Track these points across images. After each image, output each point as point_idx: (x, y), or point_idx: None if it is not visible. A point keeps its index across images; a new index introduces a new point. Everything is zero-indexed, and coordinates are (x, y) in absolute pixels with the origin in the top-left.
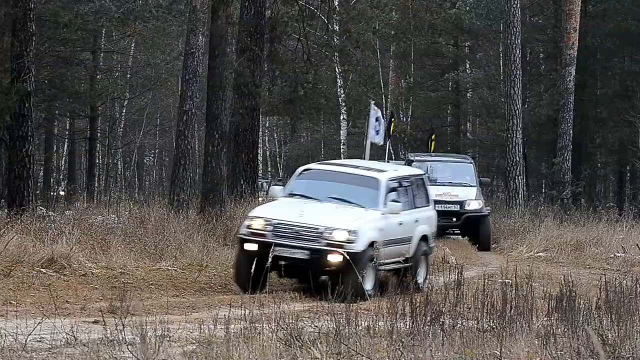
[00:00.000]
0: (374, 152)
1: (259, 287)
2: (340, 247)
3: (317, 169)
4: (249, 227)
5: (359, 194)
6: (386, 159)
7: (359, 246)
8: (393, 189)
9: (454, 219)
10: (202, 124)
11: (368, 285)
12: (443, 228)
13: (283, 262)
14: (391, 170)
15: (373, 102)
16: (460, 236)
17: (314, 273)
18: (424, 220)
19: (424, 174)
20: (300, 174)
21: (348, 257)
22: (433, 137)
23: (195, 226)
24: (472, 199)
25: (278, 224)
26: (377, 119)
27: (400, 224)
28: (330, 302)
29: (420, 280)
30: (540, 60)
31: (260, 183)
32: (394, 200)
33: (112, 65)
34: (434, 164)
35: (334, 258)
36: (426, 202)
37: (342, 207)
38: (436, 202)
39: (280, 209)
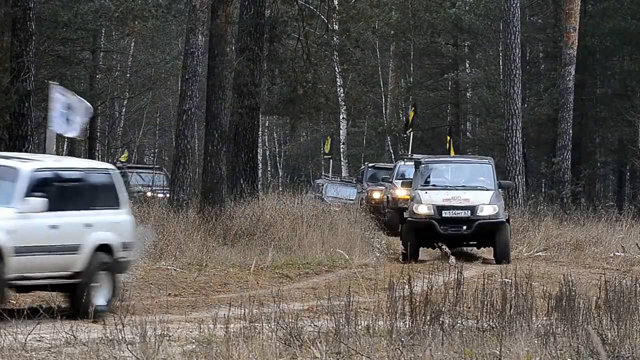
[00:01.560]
0: (375, 151)
1: None
2: None
3: None
4: None
5: None
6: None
7: None
8: (42, 184)
9: (465, 227)
10: (202, 124)
11: None
12: (452, 238)
13: None
14: (46, 160)
15: (56, 84)
16: (476, 247)
17: None
18: (104, 225)
19: (114, 168)
20: None
21: None
22: (448, 138)
23: (194, 225)
24: (486, 204)
25: None
26: (68, 106)
27: (54, 227)
28: None
29: (101, 302)
30: (540, 59)
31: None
32: (37, 197)
33: (111, 64)
34: (442, 165)
35: None
36: (116, 203)
37: None
38: (443, 207)
39: None
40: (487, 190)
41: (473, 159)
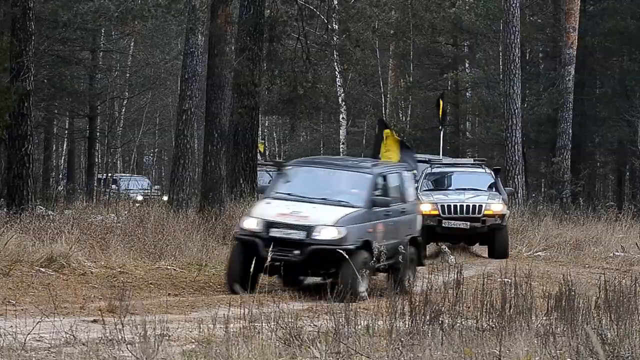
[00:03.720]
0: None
1: None
2: None
3: None
4: None
5: None
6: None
7: None
8: None
9: (296, 252)
10: (202, 123)
11: None
12: (278, 264)
13: None
14: None
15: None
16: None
17: None
18: None
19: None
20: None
21: None
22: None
23: (194, 225)
24: (328, 225)
25: None
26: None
27: None
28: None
29: None
30: (540, 59)
31: None
32: None
33: (111, 64)
34: (317, 170)
35: None
36: None
37: None
38: (272, 224)
39: None
40: (347, 207)
41: (357, 163)
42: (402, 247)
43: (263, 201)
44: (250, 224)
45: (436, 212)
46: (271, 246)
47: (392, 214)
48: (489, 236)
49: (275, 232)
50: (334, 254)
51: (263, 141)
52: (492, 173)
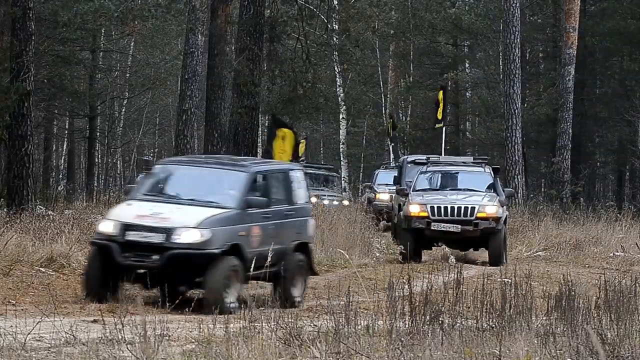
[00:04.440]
0: (375, 151)
1: None
2: None
3: None
4: None
5: None
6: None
7: None
8: None
9: (154, 258)
10: (202, 123)
11: None
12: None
13: None
14: None
15: None
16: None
17: None
18: None
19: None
20: None
21: None
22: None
23: None
24: (191, 227)
25: None
26: None
27: None
28: None
29: None
30: (540, 59)
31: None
32: None
33: (111, 64)
34: (177, 169)
35: None
36: None
37: None
38: (129, 227)
39: None
40: (215, 208)
41: (234, 162)
42: (288, 254)
43: (124, 203)
44: (106, 227)
45: (425, 214)
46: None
47: (273, 216)
48: (483, 241)
49: (132, 236)
50: (198, 260)
51: (305, 139)
52: (492, 173)
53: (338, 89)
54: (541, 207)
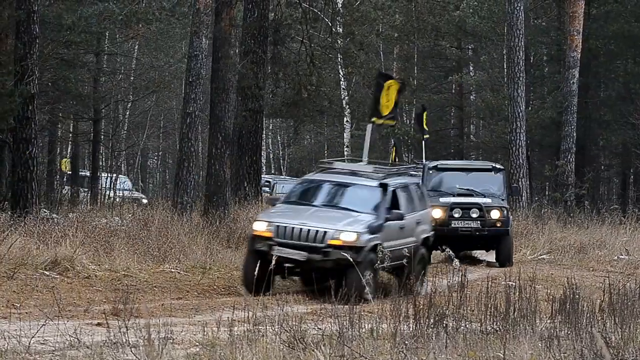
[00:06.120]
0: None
1: None
2: None
3: None
4: None
5: None
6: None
7: None
8: None
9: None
10: (206, 127)
11: None
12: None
13: None
14: None
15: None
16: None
17: None
18: None
19: None
20: None
21: None
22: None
23: (198, 228)
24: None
25: None
26: None
27: None
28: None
29: None
30: (544, 62)
31: None
32: None
33: (115, 67)
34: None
35: None
36: None
37: None
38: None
39: None
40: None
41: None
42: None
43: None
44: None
45: (269, 234)
46: None
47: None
48: (338, 273)
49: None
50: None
51: (395, 146)
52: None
53: (342, 92)
54: (545, 210)
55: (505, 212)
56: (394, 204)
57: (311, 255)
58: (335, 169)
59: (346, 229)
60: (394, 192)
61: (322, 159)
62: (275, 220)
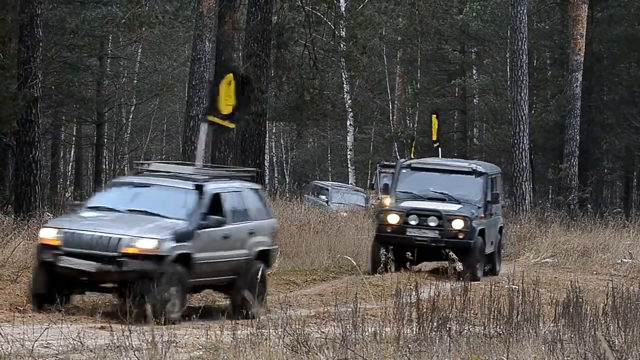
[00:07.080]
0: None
1: None
2: None
3: None
4: None
5: None
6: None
7: None
8: None
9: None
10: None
11: None
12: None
13: None
14: None
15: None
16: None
17: None
18: None
19: None
20: None
21: None
22: (414, 144)
23: None
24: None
25: None
26: None
27: None
28: None
29: None
30: (547, 66)
31: None
32: None
33: (118, 71)
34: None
35: None
36: None
37: None
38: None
39: None
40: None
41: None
42: None
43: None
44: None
45: (57, 242)
46: None
47: None
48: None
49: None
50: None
51: (414, 142)
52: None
53: (345, 96)
54: (549, 213)
55: (469, 222)
56: (215, 209)
57: (103, 266)
58: (151, 170)
59: (145, 235)
60: (215, 196)
61: (325, 162)
62: (66, 227)
